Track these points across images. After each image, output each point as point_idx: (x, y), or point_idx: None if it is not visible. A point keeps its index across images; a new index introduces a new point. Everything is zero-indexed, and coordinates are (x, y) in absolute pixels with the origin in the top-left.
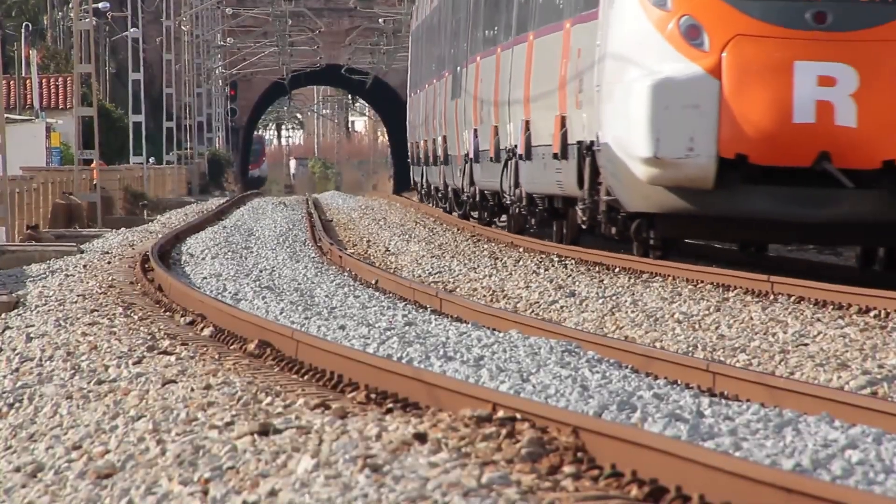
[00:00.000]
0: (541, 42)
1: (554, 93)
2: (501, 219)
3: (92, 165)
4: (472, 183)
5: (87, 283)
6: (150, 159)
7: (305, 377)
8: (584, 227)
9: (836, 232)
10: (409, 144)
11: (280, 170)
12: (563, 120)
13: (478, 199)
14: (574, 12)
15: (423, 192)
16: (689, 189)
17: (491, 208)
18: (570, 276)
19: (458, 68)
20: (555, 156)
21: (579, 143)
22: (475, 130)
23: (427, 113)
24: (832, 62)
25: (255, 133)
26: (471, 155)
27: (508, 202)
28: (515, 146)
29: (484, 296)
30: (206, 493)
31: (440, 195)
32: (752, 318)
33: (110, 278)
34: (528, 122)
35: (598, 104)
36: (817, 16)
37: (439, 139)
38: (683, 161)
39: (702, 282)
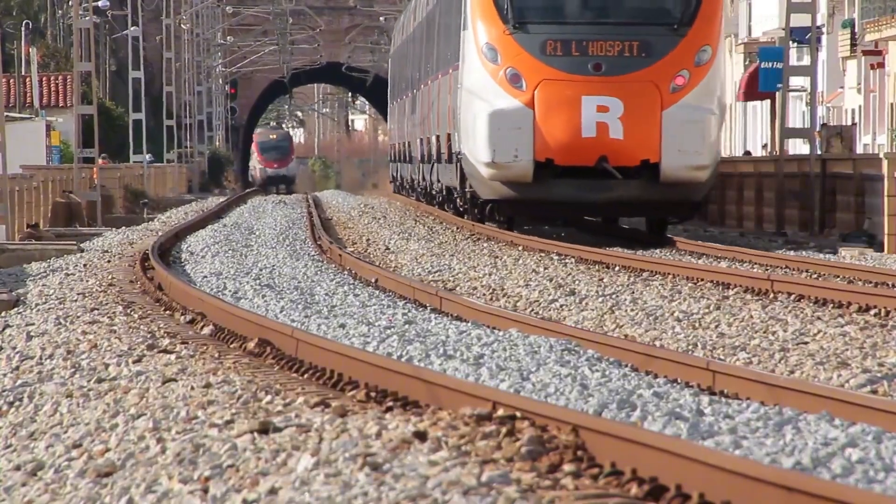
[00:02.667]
0: (443, 79)
1: (447, 116)
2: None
3: (97, 164)
4: (423, 179)
5: (87, 281)
6: (148, 156)
7: (305, 375)
8: (461, 209)
9: (612, 209)
10: (389, 146)
11: None
12: (449, 136)
13: (427, 190)
14: (453, 61)
15: (398, 184)
16: (516, 183)
17: (437, 197)
18: (570, 274)
19: (415, 90)
20: (447, 161)
21: (455, 152)
22: (421, 139)
23: (400, 122)
24: (606, 96)
25: (282, 129)
26: (419, 158)
27: (434, 192)
28: (434, 153)
29: (484, 294)
30: (206, 491)
31: (409, 187)
32: (752, 317)
33: (110, 277)
34: (438, 137)
35: (459, 126)
36: (596, 66)
37: (406, 143)
38: (511, 164)
39: (702, 280)
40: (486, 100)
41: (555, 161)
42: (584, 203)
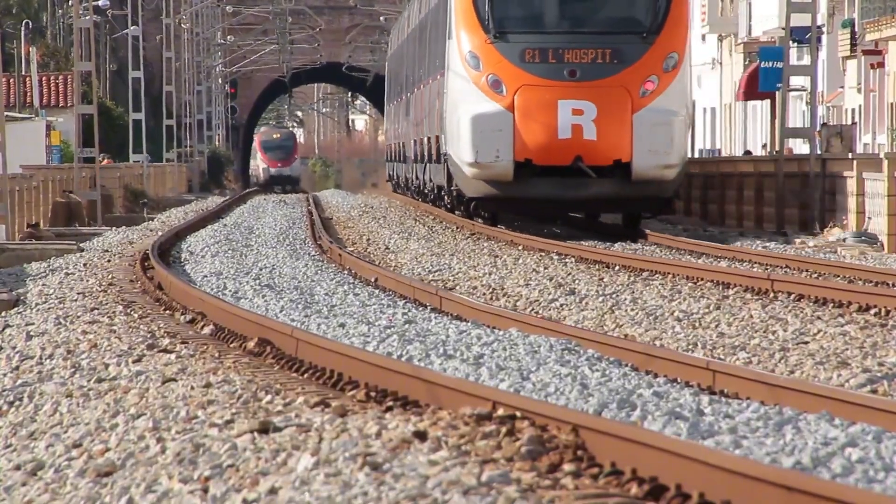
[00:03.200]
0: (432, 84)
1: (435, 119)
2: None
3: (101, 163)
4: (417, 178)
5: (87, 281)
6: (146, 155)
7: (305, 375)
8: (449, 206)
9: (588, 205)
10: (386, 146)
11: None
12: (437, 138)
13: (421, 189)
14: (440, 68)
15: (394, 182)
16: (498, 181)
17: (429, 195)
18: (570, 273)
19: (409, 94)
20: (436, 161)
21: (443, 153)
22: (414, 140)
23: (396, 123)
24: (581, 100)
25: (285, 128)
26: (412, 158)
27: (427, 190)
28: (425, 153)
29: (484, 294)
30: (206, 491)
31: (404, 186)
32: (752, 316)
33: (110, 276)
34: (429, 138)
35: (445, 128)
36: (571, 72)
37: (401, 144)
38: (493, 164)
39: (702, 279)
40: (469, 104)
41: (533, 161)
42: (562, 200)
